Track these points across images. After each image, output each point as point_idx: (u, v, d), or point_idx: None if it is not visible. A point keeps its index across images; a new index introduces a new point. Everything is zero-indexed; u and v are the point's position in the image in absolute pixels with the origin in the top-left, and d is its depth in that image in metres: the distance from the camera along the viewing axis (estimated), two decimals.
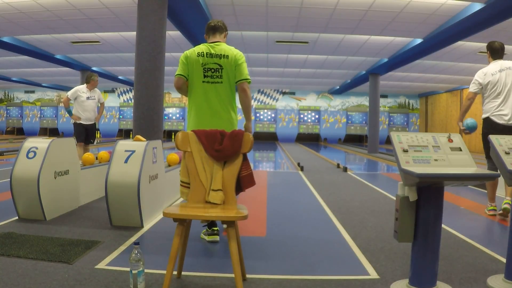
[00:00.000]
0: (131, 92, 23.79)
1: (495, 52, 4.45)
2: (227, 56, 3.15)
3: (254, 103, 23.96)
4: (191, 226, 2.64)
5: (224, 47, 3.19)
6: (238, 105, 3.33)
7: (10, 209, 3.94)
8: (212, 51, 3.15)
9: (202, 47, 3.18)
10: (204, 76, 3.15)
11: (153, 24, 6.02)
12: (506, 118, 4.23)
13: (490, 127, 4.25)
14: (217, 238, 3.30)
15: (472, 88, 4.44)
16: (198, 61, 3.14)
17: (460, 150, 2.37)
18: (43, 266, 2.59)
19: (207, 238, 3.32)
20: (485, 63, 4.74)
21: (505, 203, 4.30)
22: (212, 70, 3.13)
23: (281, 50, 12.41)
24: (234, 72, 3.16)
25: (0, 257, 2.74)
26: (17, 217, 3.83)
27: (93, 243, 3.09)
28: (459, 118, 4.50)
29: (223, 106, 3.19)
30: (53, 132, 24.54)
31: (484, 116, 4.40)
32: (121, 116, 24.52)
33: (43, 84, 21.96)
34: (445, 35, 9.12)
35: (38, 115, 24.90)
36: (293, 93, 24.28)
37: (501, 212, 4.31)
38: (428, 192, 2.21)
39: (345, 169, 8.86)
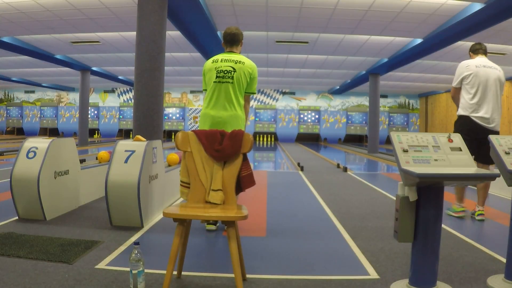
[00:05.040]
0: (131, 92, 23.80)
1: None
2: (243, 62, 3.49)
3: (254, 103, 23.96)
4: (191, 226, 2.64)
5: (239, 56, 3.54)
6: None
7: (10, 209, 3.94)
8: (227, 58, 3.50)
9: (218, 56, 3.55)
10: (216, 77, 3.46)
11: (153, 24, 6.01)
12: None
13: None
14: (213, 227, 3.62)
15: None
16: (212, 66, 3.50)
17: (460, 150, 2.37)
18: (43, 266, 2.59)
19: (206, 225, 3.66)
20: None
21: (479, 214, 4.23)
22: (225, 72, 3.44)
23: (281, 50, 12.40)
24: (245, 77, 3.49)
25: (0, 257, 2.74)
26: (17, 217, 3.83)
27: (93, 243, 3.09)
28: None
29: (229, 101, 3.46)
30: (53, 132, 24.54)
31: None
32: (121, 116, 24.52)
33: (43, 84, 21.95)
34: (445, 35, 9.12)
35: (38, 115, 24.89)
36: (293, 93, 24.28)
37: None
38: (428, 192, 2.21)
39: (345, 169, 8.86)
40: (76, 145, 4.58)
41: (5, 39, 10.92)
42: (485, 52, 4.33)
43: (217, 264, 2.81)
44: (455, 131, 3.99)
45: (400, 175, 2.23)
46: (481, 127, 4.07)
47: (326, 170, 9.08)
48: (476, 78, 4.12)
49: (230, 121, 3.42)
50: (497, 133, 4.13)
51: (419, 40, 10.18)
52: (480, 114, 4.08)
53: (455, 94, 4.32)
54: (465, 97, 4.18)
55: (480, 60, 4.26)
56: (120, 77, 19.21)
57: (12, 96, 25.38)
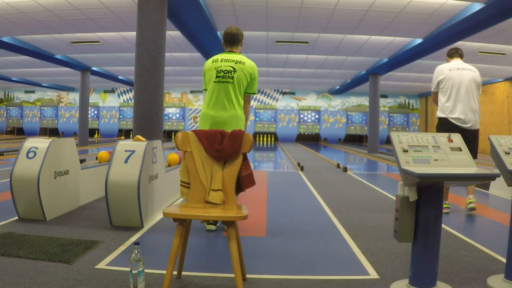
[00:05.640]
0: (131, 92, 23.80)
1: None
2: (244, 62, 3.48)
3: (254, 103, 23.97)
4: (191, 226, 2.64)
5: (240, 56, 3.53)
6: None
7: (10, 209, 3.94)
8: (227, 58, 3.50)
9: (218, 55, 3.54)
10: (216, 77, 3.44)
11: (153, 24, 6.01)
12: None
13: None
14: (213, 227, 3.62)
15: None
16: (212, 66, 3.49)
17: (460, 150, 2.37)
18: (43, 266, 2.59)
19: (206, 225, 3.65)
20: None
21: (470, 202, 4.46)
22: (225, 71, 3.43)
23: (281, 50, 12.40)
24: (246, 77, 3.48)
25: (0, 257, 2.74)
26: (17, 217, 3.83)
27: (93, 243, 3.09)
28: None
29: (229, 101, 3.45)
30: (53, 132, 24.54)
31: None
32: (121, 116, 24.52)
33: (43, 84, 21.96)
34: (445, 35, 9.12)
35: (38, 115, 24.89)
36: (293, 93, 24.28)
37: (468, 211, 4.50)
38: (428, 192, 2.21)
39: (345, 169, 8.86)
40: (76, 145, 4.58)
41: (5, 39, 10.92)
42: (461, 56, 4.57)
43: (217, 264, 2.81)
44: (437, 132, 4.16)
45: (400, 175, 2.23)
46: (458, 127, 4.22)
47: (326, 170, 9.07)
48: (449, 81, 4.33)
49: (230, 121, 3.42)
50: (475, 131, 4.32)
51: (419, 40, 10.17)
52: (456, 115, 4.27)
53: (435, 98, 4.52)
54: (441, 99, 4.39)
55: (455, 63, 4.47)
56: (120, 77, 19.21)
57: (12, 96, 25.38)
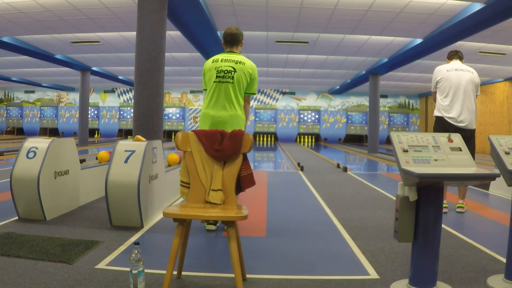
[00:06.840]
0: (131, 92, 23.80)
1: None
2: (244, 63, 3.50)
3: (254, 103, 23.97)
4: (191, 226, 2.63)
5: (240, 56, 3.55)
6: None
7: (10, 209, 3.94)
8: (227, 58, 3.51)
9: (218, 56, 3.55)
10: (216, 77, 3.45)
11: (153, 24, 6.01)
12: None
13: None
14: (213, 227, 3.62)
15: None
16: (213, 66, 3.50)
17: (460, 150, 2.37)
18: (43, 266, 2.59)
19: (206, 225, 3.66)
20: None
21: (459, 207, 4.60)
22: (225, 72, 3.45)
23: (281, 50, 12.40)
24: (246, 78, 3.49)
25: (0, 257, 2.74)
26: (17, 217, 3.83)
27: (93, 243, 3.09)
28: None
29: (229, 101, 3.46)
30: (53, 132, 24.54)
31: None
32: (121, 116, 24.52)
33: (43, 84, 21.95)
34: (445, 35, 9.12)
35: (38, 115, 24.89)
36: (293, 93, 24.28)
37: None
38: (428, 192, 2.21)
39: (345, 169, 8.86)
40: (76, 145, 4.58)
41: (5, 39, 10.92)
42: (460, 58, 4.63)
43: (217, 264, 2.81)
44: (433, 131, 4.29)
45: (400, 175, 2.23)
46: (454, 126, 4.29)
47: (326, 170, 9.07)
48: (447, 81, 4.40)
49: (230, 121, 3.42)
50: (471, 131, 4.38)
51: (419, 40, 10.17)
52: (452, 114, 4.34)
53: (435, 98, 4.60)
54: (439, 99, 4.48)
55: (453, 64, 4.54)
56: (120, 77, 19.21)
57: (12, 96, 25.38)
